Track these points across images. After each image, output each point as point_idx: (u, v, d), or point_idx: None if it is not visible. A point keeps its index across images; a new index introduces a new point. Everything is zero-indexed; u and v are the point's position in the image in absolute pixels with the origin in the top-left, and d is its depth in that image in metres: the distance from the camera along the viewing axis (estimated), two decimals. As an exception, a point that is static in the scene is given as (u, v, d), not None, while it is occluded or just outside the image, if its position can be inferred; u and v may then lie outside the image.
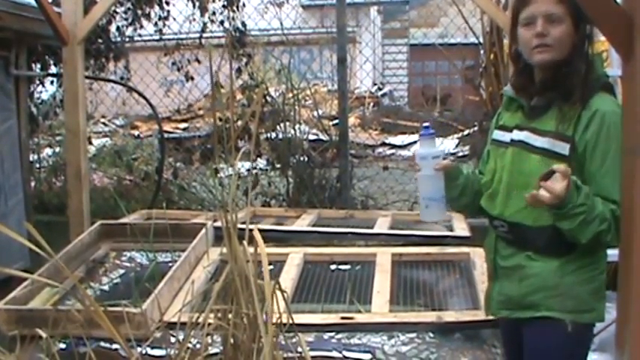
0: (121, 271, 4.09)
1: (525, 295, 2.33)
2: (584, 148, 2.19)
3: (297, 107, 6.63)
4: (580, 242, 2.16)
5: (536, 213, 2.26)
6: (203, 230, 4.09)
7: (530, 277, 2.32)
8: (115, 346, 3.02)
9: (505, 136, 2.42)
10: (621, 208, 2.06)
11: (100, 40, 7.58)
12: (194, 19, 7.96)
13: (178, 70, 8.32)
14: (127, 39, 8.16)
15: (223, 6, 7.61)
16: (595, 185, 2.16)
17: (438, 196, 2.45)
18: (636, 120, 1.91)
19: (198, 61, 8.23)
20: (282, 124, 6.57)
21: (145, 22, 8.10)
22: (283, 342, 2.54)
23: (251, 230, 2.32)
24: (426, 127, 2.42)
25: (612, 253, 2.29)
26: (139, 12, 7.92)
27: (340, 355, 3.02)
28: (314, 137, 7.17)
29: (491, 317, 2.61)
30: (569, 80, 2.24)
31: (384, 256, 3.98)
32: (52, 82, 8.20)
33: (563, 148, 2.20)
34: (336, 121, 6.87)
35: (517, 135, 2.36)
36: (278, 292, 2.31)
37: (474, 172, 2.67)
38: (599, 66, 2.34)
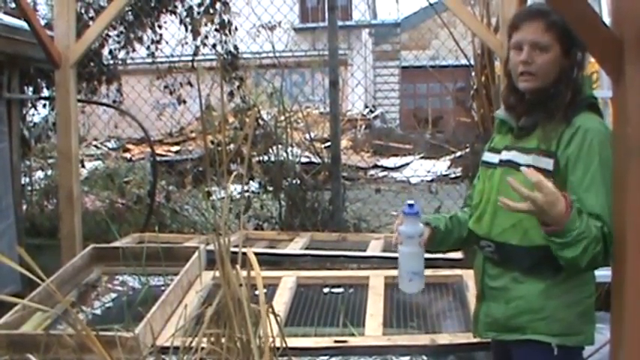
0: (113, 295, 4.07)
1: (511, 318, 2.33)
2: (565, 163, 2.20)
3: (289, 130, 6.65)
4: (579, 267, 2.12)
5: (521, 232, 2.27)
6: (196, 254, 4.08)
7: (515, 299, 2.32)
8: (106, 371, 3.00)
9: (494, 158, 2.43)
10: (613, 233, 2.06)
11: (92, 64, 7.59)
12: (186, 43, 7.98)
13: (171, 93, 8.34)
14: (120, 62, 8.18)
15: (215, 29, 7.64)
16: (577, 200, 2.15)
17: (421, 270, 2.48)
18: (627, 140, 1.92)
19: (191, 85, 8.25)
20: (274, 147, 6.58)
21: (137, 46, 8.12)
22: (276, 366, 2.53)
23: (244, 254, 2.31)
24: (411, 206, 2.40)
25: (604, 274, 2.29)
26: (132, 35, 7.94)
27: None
28: (306, 160, 7.18)
29: (479, 339, 2.60)
30: (553, 103, 2.26)
31: (377, 279, 3.97)
32: (44, 105, 8.20)
33: (548, 164, 2.21)
34: (328, 144, 6.90)
35: (505, 155, 2.37)
36: (271, 316, 2.30)
37: (453, 216, 2.64)
38: (586, 88, 2.35)
